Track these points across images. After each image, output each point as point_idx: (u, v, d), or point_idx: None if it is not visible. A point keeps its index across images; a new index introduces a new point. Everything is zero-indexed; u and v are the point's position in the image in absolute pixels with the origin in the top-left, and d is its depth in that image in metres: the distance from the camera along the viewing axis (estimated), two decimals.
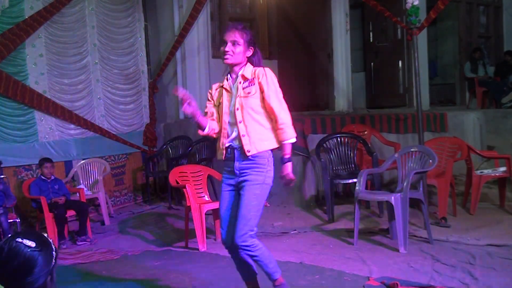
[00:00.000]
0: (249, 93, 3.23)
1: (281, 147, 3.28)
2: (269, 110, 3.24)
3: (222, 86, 3.36)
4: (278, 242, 5.27)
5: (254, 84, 3.25)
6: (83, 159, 7.27)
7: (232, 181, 3.31)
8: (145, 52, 8.32)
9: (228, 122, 3.29)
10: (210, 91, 3.44)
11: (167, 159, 8.15)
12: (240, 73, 3.29)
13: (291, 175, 3.26)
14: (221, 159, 3.33)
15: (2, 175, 5.98)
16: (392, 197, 4.75)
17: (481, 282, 3.79)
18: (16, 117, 6.63)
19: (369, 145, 6.39)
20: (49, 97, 6.90)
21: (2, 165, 6.00)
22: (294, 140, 3.25)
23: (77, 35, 7.26)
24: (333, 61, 8.98)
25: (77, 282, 4.43)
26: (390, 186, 6.63)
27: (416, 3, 5.54)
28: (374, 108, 9.21)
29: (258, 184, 3.21)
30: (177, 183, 5.57)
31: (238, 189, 3.30)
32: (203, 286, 4.14)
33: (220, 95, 3.36)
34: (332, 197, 5.96)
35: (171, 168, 6.73)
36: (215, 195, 6.97)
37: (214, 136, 3.37)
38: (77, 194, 6.45)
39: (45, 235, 1.80)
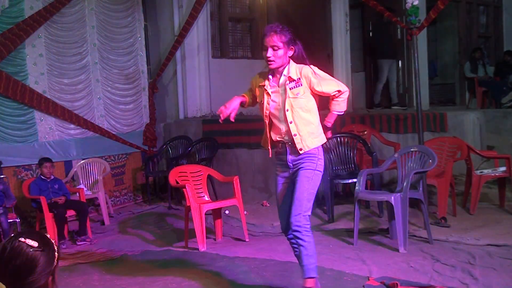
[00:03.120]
0: (297, 94, 3.37)
1: (328, 114, 3.52)
2: (326, 95, 3.42)
3: (263, 86, 3.47)
4: (278, 242, 5.27)
5: (301, 85, 3.37)
6: (83, 159, 7.26)
7: (286, 174, 3.52)
8: (145, 52, 8.32)
9: (278, 120, 3.43)
10: (253, 80, 3.62)
11: (167, 159, 8.15)
12: (285, 73, 3.40)
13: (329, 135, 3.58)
14: (273, 154, 3.56)
15: (2, 175, 5.98)
16: (392, 197, 4.75)
17: (481, 282, 3.79)
18: (16, 117, 6.63)
19: (369, 145, 6.39)
20: (49, 97, 6.90)
21: (2, 165, 6.00)
22: (342, 113, 3.51)
23: (77, 35, 7.26)
24: (333, 61, 8.98)
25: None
26: (390, 186, 6.63)
27: (416, 3, 5.54)
28: (374, 108, 9.20)
29: (310, 170, 3.38)
30: (177, 183, 5.57)
31: (292, 180, 3.47)
32: (203, 286, 4.14)
33: (262, 93, 3.51)
34: (332, 197, 5.96)
35: (171, 168, 6.73)
36: (215, 195, 6.97)
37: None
38: (77, 194, 6.45)
39: (48, 235, 1.79)
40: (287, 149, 3.44)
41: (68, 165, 7.18)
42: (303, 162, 3.39)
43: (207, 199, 5.80)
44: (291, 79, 3.37)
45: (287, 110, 3.36)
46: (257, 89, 3.57)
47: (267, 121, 3.50)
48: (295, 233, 3.31)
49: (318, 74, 3.38)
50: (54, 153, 6.90)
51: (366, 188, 5.49)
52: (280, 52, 3.32)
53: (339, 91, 3.40)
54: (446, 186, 5.68)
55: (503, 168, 6.07)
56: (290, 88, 3.36)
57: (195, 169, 5.95)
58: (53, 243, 1.75)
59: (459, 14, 10.14)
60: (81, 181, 7.13)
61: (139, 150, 8.20)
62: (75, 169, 7.16)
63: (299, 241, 3.32)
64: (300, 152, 3.36)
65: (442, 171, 5.90)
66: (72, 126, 7.23)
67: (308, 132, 3.37)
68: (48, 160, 6.15)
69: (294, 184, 3.41)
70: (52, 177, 6.15)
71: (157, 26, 8.81)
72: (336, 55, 8.96)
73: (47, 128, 6.94)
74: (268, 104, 3.46)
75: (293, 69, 3.39)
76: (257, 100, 3.57)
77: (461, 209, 6.00)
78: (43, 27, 6.77)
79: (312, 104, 3.42)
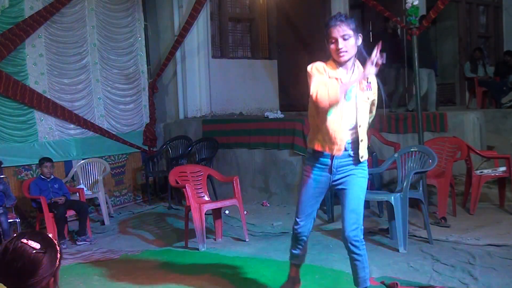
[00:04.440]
0: (367, 97, 3.15)
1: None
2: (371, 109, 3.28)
3: (336, 77, 3.07)
4: (278, 242, 5.27)
5: (371, 89, 3.16)
6: (83, 159, 7.26)
7: (325, 178, 3.25)
8: (145, 52, 8.32)
9: (341, 121, 3.10)
10: (319, 67, 3.09)
11: (167, 159, 8.15)
12: (355, 70, 3.12)
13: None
14: (337, 154, 3.13)
15: (2, 175, 5.98)
16: (392, 197, 4.76)
17: (481, 282, 3.79)
18: (16, 117, 6.63)
19: (369, 145, 6.39)
20: (49, 97, 6.90)
21: (2, 165, 6.00)
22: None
23: (77, 35, 7.26)
24: None
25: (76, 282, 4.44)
26: (390, 186, 6.63)
27: (416, 3, 5.54)
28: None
29: (363, 178, 3.21)
30: (177, 183, 5.57)
31: (329, 186, 3.27)
32: (203, 286, 4.14)
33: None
34: (332, 197, 5.96)
35: (171, 168, 6.73)
36: (215, 195, 6.97)
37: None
38: (77, 194, 6.45)
39: (50, 235, 1.78)
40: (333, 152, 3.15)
41: (68, 165, 7.18)
42: (354, 169, 3.17)
43: (207, 199, 5.80)
44: (366, 81, 3.11)
45: (359, 112, 3.10)
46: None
47: (341, 122, 3.10)
48: (353, 248, 3.15)
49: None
50: (54, 153, 6.89)
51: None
52: (352, 41, 3.04)
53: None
54: (446, 186, 5.68)
55: (503, 168, 6.07)
56: (362, 89, 3.11)
57: (195, 169, 5.95)
58: (55, 244, 1.74)
59: (459, 14, 10.14)
60: (81, 181, 7.13)
61: (139, 150, 8.20)
62: (75, 169, 7.15)
63: (356, 255, 3.19)
64: (361, 160, 3.15)
65: (442, 171, 5.90)
66: (72, 126, 7.23)
67: (366, 140, 3.19)
68: (48, 160, 6.15)
69: (345, 192, 3.19)
70: (52, 177, 6.15)
71: (157, 26, 8.81)
72: None
73: (47, 128, 6.94)
74: (344, 99, 3.07)
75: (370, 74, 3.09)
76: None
77: (461, 209, 6.00)
78: (43, 27, 6.77)
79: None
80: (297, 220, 3.42)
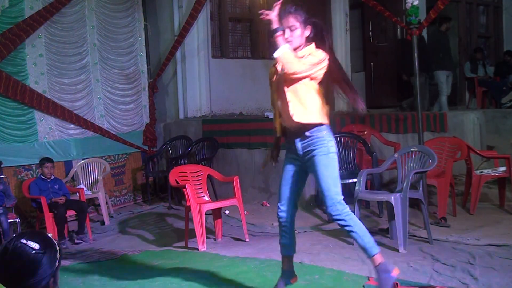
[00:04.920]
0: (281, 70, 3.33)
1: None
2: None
3: (275, 67, 3.42)
4: (278, 242, 5.26)
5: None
6: (83, 159, 7.27)
7: (297, 162, 3.44)
8: (145, 52, 8.32)
9: (282, 101, 3.34)
10: (269, 72, 3.56)
11: (167, 159, 8.16)
12: (299, 54, 3.26)
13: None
14: (283, 136, 3.50)
15: (2, 175, 5.98)
16: (392, 197, 4.75)
17: (481, 282, 3.79)
18: (16, 117, 6.63)
19: (369, 145, 6.40)
20: (49, 97, 6.90)
21: (2, 165, 6.00)
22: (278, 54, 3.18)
23: (77, 35, 7.26)
24: None
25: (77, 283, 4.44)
26: (390, 186, 6.63)
27: (416, 3, 5.54)
28: (374, 108, 9.21)
29: (324, 155, 3.30)
30: (177, 183, 5.57)
31: (304, 168, 3.44)
32: (203, 286, 4.14)
33: (273, 74, 3.45)
34: None
35: (171, 168, 6.73)
36: (215, 195, 6.97)
37: None
38: (77, 194, 6.45)
39: (50, 235, 1.78)
40: (292, 135, 3.38)
41: (68, 165, 7.18)
42: (314, 149, 3.30)
43: (207, 199, 5.80)
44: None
45: (285, 87, 3.29)
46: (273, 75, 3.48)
47: (279, 103, 3.40)
48: (339, 222, 3.31)
49: (307, 57, 3.24)
50: (54, 153, 6.90)
51: (366, 188, 5.49)
52: (298, 32, 3.26)
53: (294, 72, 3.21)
54: (446, 186, 5.68)
55: (503, 168, 6.07)
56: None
57: (195, 169, 5.95)
58: (55, 244, 1.74)
59: (459, 14, 10.14)
60: (81, 181, 7.13)
61: (139, 150, 8.20)
62: (75, 169, 7.16)
63: (346, 227, 3.31)
64: (294, 119, 3.24)
65: (442, 171, 5.90)
66: (72, 126, 7.23)
67: (301, 105, 3.26)
68: (49, 160, 6.15)
69: (313, 175, 3.36)
70: (53, 177, 6.15)
71: (157, 26, 8.81)
72: (336, 55, 8.94)
73: (47, 128, 6.95)
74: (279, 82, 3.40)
75: (304, 49, 3.28)
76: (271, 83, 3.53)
77: (461, 209, 6.00)
78: (43, 27, 6.78)
79: (311, 84, 3.30)
80: (279, 205, 3.58)
